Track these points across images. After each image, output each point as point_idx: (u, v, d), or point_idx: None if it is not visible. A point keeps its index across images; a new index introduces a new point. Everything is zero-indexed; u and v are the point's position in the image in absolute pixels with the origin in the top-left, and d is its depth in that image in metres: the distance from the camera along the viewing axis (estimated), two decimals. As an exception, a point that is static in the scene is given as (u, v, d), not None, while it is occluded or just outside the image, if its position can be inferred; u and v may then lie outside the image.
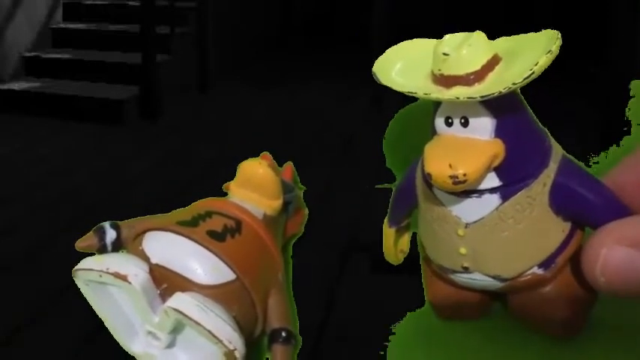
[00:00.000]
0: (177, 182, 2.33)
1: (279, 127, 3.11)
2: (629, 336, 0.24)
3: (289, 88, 3.73)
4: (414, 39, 0.24)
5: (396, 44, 0.24)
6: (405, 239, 0.28)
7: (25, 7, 3.63)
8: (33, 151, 2.81)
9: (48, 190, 2.40)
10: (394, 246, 0.27)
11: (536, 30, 0.21)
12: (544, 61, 0.19)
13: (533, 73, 0.19)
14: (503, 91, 0.19)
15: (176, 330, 0.23)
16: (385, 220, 0.27)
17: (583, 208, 0.22)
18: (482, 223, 0.22)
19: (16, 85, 3.44)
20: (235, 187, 0.26)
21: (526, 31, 0.22)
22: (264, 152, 0.28)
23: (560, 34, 0.20)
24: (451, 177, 0.20)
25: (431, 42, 0.23)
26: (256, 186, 0.25)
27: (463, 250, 0.22)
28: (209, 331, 0.21)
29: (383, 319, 0.27)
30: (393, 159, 0.27)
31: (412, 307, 0.27)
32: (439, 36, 0.22)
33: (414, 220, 0.26)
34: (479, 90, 0.20)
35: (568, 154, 0.23)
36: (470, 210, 0.22)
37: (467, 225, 0.22)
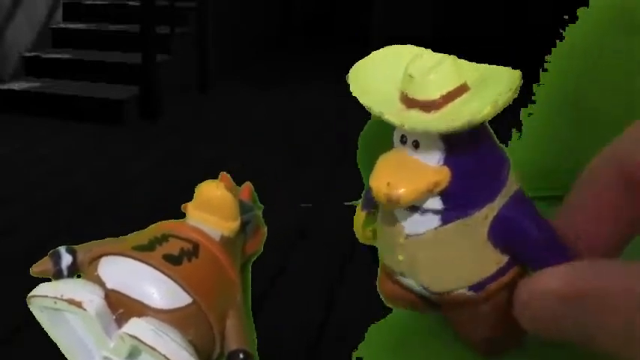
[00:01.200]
0: (177, 182, 2.33)
1: (279, 127, 3.11)
2: None
3: (289, 88, 3.73)
4: (397, 45, 0.24)
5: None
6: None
7: (25, 7, 3.63)
8: (33, 151, 2.81)
9: (48, 190, 2.41)
10: (363, 227, 0.27)
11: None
12: (488, 110, 0.20)
13: (473, 120, 0.20)
14: (450, 130, 0.20)
15: (133, 355, 0.23)
16: (360, 201, 0.27)
17: (523, 247, 0.22)
18: (420, 237, 0.22)
19: (16, 85, 3.44)
20: (193, 209, 0.26)
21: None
22: (223, 172, 0.28)
23: (518, 82, 0.20)
24: (385, 195, 0.21)
25: (414, 50, 0.23)
26: (213, 208, 0.25)
27: (401, 257, 0.23)
28: (164, 356, 0.21)
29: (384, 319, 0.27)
30: (365, 159, 0.27)
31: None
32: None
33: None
34: (431, 120, 0.21)
35: (521, 189, 0.23)
36: (412, 223, 0.22)
37: (407, 236, 0.23)
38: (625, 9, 0.27)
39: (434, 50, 0.23)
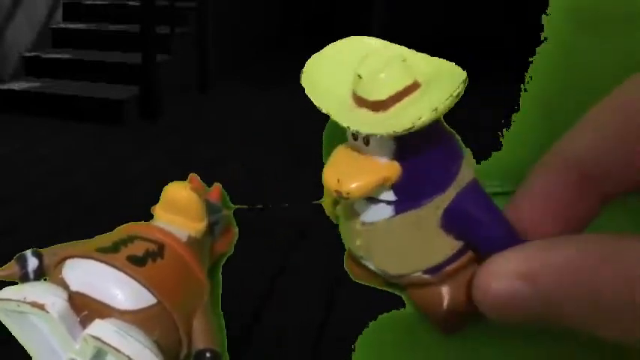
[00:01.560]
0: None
1: (279, 127, 3.11)
2: None
3: (289, 88, 3.72)
4: (357, 37, 0.24)
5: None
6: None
7: (25, 7, 3.63)
8: (33, 151, 2.81)
9: (48, 190, 2.41)
10: (332, 206, 0.28)
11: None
12: (427, 117, 0.20)
13: (413, 126, 0.20)
14: (382, 134, 0.20)
15: (99, 356, 0.23)
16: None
17: (475, 236, 0.23)
18: (375, 226, 0.23)
19: (16, 85, 3.44)
20: (160, 210, 0.26)
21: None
22: (192, 174, 0.28)
23: (461, 87, 0.20)
24: (336, 191, 0.21)
25: (370, 44, 0.23)
26: (180, 209, 0.26)
27: (359, 242, 0.24)
28: (128, 357, 0.21)
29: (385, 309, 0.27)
30: (328, 153, 0.28)
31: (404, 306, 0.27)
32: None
33: None
34: (377, 120, 0.21)
35: (476, 180, 0.23)
36: (367, 212, 0.23)
37: (363, 223, 0.23)
38: (581, 8, 0.27)
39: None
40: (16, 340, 0.23)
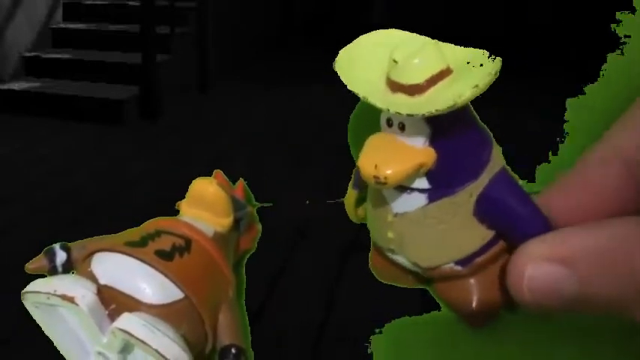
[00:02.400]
0: (177, 182, 2.33)
1: (280, 127, 3.11)
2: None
3: (289, 88, 3.73)
4: (390, 29, 0.24)
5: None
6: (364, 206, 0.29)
7: (25, 7, 3.63)
8: (33, 151, 2.81)
9: (48, 190, 2.40)
10: (354, 205, 0.28)
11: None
12: (469, 94, 0.20)
13: (455, 104, 0.20)
14: (425, 114, 0.20)
15: (126, 350, 0.23)
16: (352, 179, 0.28)
17: (508, 223, 0.23)
18: (408, 216, 0.23)
19: (16, 85, 3.44)
20: (186, 206, 0.26)
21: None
22: (217, 170, 0.28)
23: (498, 66, 0.21)
24: (374, 177, 0.21)
25: (403, 35, 0.24)
26: (207, 204, 0.26)
27: (390, 235, 0.24)
28: (156, 350, 0.21)
29: (383, 320, 0.27)
30: (355, 139, 0.28)
31: (412, 308, 0.27)
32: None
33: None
34: (414, 104, 0.21)
35: (508, 168, 0.23)
36: (400, 202, 0.23)
37: (396, 214, 0.23)
38: None
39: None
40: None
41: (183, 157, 2.77)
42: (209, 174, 0.31)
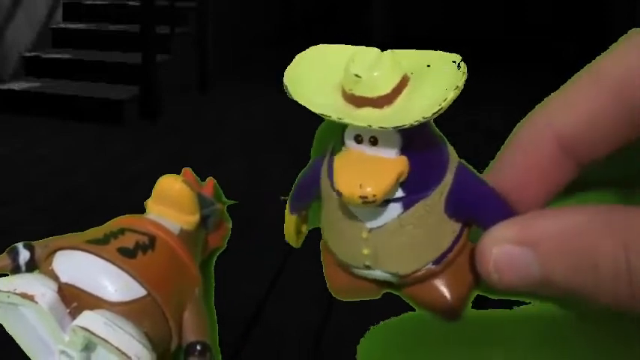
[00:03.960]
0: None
1: (279, 127, 3.11)
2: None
3: (289, 88, 3.72)
4: (322, 45, 0.24)
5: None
6: (305, 225, 0.29)
7: (25, 7, 3.63)
8: (33, 151, 2.81)
9: (48, 190, 2.41)
10: (295, 231, 0.27)
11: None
12: (452, 96, 0.20)
13: (441, 108, 0.20)
14: (414, 123, 0.20)
15: (89, 348, 0.23)
16: (287, 206, 0.27)
17: (475, 214, 0.23)
18: (384, 228, 0.23)
19: (16, 85, 3.44)
20: (152, 203, 0.26)
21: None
22: (186, 168, 0.29)
23: (465, 65, 0.21)
24: (361, 197, 0.21)
25: (340, 49, 0.24)
26: (172, 201, 0.26)
27: (366, 251, 0.23)
28: (116, 348, 0.21)
29: (383, 320, 0.27)
30: (319, 150, 0.28)
31: (412, 308, 0.27)
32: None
33: (314, 210, 0.27)
34: (388, 115, 0.21)
35: (463, 161, 0.24)
36: (374, 216, 0.23)
37: (370, 230, 0.23)
38: None
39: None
40: (14, 341, 0.23)
41: (182, 157, 2.77)
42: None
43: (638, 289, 0.18)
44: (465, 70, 0.21)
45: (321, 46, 0.24)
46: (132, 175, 2.55)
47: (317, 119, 0.24)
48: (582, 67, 0.23)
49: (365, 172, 0.22)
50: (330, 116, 0.21)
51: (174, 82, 3.47)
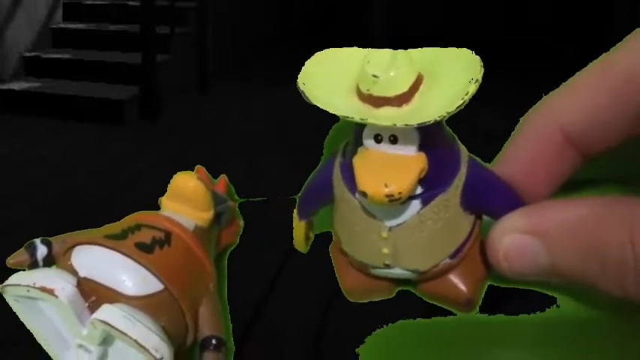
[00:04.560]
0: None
1: (279, 127, 3.12)
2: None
3: (289, 88, 3.72)
4: (331, 49, 0.25)
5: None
6: (312, 231, 0.29)
7: (25, 7, 3.63)
8: (33, 151, 2.81)
9: (48, 190, 2.41)
10: (305, 238, 0.28)
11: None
12: (473, 89, 0.21)
13: (464, 102, 0.21)
14: (438, 119, 0.21)
15: (107, 342, 0.23)
16: (295, 213, 0.28)
17: (489, 206, 0.24)
18: (404, 226, 0.23)
19: (16, 85, 3.44)
20: (167, 200, 0.26)
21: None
22: (199, 166, 0.29)
23: (479, 58, 0.21)
24: (387, 195, 0.21)
25: (350, 52, 0.24)
26: (187, 198, 0.26)
27: (386, 250, 0.24)
28: (135, 340, 0.21)
29: (382, 321, 0.27)
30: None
31: (412, 308, 0.27)
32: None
33: (320, 215, 0.27)
34: (408, 113, 0.21)
35: (471, 154, 0.24)
36: (394, 215, 0.23)
37: (390, 228, 0.23)
38: None
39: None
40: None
41: (182, 157, 2.77)
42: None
43: None
44: (482, 63, 0.21)
45: (330, 49, 0.25)
46: (132, 175, 2.55)
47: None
48: (582, 67, 0.23)
49: (388, 171, 0.22)
50: (352, 117, 0.21)
51: (174, 82, 3.47)
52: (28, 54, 3.65)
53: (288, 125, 3.13)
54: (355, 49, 0.24)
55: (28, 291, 0.22)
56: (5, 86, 3.42)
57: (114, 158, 2.77)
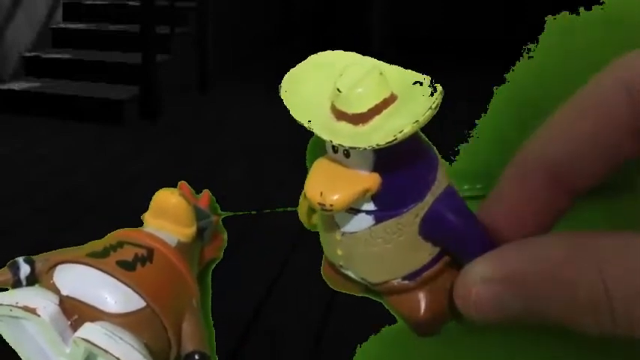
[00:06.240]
0: (177, 182, 2.33)
1: (280, 127, 3.12)
2: None
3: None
4: (333, 51, 0.25)
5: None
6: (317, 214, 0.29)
7: (25, 7, 3.63)
8: (33, 151, 2.81)
9: (48, 190, 2.41)
10: (307, 213, 0.28)
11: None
12: (409, 129, 0.20)
13: (395, 139, 0.20)
14: (367, 148, 0.21)
15: None
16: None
17: (451, 241, 0.23)
18: (355, 235, 0.23)
19: (16, 85, 3.44)
20: (149, 217, 0.26)
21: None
22: (182, 182, 0.29)
23: (439, 99, 0.21)
24: (319, 204, 0.22)
25: (347, 57, 0.24)
26: (169, 215, 0.26)
27: (339, 252, 0.24)
28: (117, 358, 0.21)
29: (382, 321, 0.27)
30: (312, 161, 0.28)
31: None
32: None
33: None
34: (359, 133, 0.21)
35: (452, 184, 0.24)
36: (347, 223, 0.24)
37: (343, 233, 0.24)
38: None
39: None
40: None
41: (183, 157, 2.77)
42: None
43: (620, 322, 0.18)
44: (433, 105, 0.21)
45: (330, 52, 0.25)
46: (132, 175, 2.55)
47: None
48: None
49: (331, 182, 0.22)
50: (301, 122, 0.22)
51: (174, 82, 3.47)
52: (28, 54, 3.65)
53: (289, 125, 3.13)
54: (355, 55, 0.24)
55: (10, 310, 0.22)
56: (5, 86, 3.42)
57: (114, 158, 2.77)
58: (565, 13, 0.26)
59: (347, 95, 0.21)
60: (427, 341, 0.26)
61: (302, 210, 0.28)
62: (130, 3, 3.89)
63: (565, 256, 0.19)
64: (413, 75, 0.22)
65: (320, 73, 0.24)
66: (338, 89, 0.22)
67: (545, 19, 0.26)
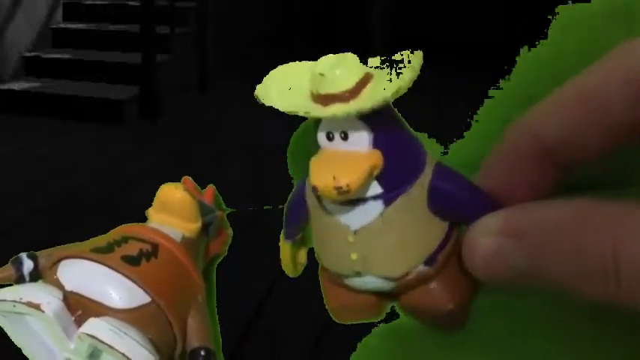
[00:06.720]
0: (177, 182, 2.33)
1: (280, 127, 3.12)
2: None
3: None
4: (290, 63, 0.26)
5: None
6: (302, 252, 0.29)
7: (25, 7, 3.63)
8: (33, 151, 2.81)
9: (48, 190, 2.41)
10: (292, 259, 0.28)
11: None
12: (410, 75, 0.21)
13: (400, 89, 0.21)
14: (375, 105, 0.21)
15: (94, 356, 0.23)
16: (281, 235, 0.28)
17: (459, 208, 0.23)
18: (368, 228, 0.23)
19: (16, 85, 3.44)
20: (154, 212, 0.26)
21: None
22: (186, 177, 0.29)
23: (419, 59, 0.22)
24: (335, 188, 0.21)
25: (307, 65, 0.25)
26: (174, 210, 0.26)
27: (354, 256, 0.24)
28: (122, 354, 0.21)
29: (382, 320, 0.27)
30: (295, 169, 0.28)
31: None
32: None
33: (309, 234, 0.27)
34: (354, 106, 0.22)
35: (442, 162, 0.24)
36: (357, 217, 0.23)
37: (355, 232, 0.23)
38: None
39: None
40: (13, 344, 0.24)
41: (183, 157, 2.77)
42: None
43: (625, 289, 0.18)
44: (416, 65, 0.21)
45: (291, 63, 0.25)
46: (132, 175, 2.55)
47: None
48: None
49: (338, 165, 0.22)
50: (297, 112, 0.22)
51: (174, 82, 3.47)
52: (28, 54, 3.65)
53: (289, 126, 3.13)
54: (312, 62, 0.24)
55: (14, 306, 0.22)
56: (5, 86, 3.42)
57: (114, 158, 2.77)
58: (566, 6, 0.26)
59: (331, 77, 0.22)
60: (426, 333, 0.26)
61: (284, 256, 0.27)
62: (130, 3, 3.89)
63: (577, 216, 0.19)
64: (379, 59, 0.23)
65: (287, 78, 0.24)
66: (321, 74, 0.22)
67: (556, 10, 0.26)
